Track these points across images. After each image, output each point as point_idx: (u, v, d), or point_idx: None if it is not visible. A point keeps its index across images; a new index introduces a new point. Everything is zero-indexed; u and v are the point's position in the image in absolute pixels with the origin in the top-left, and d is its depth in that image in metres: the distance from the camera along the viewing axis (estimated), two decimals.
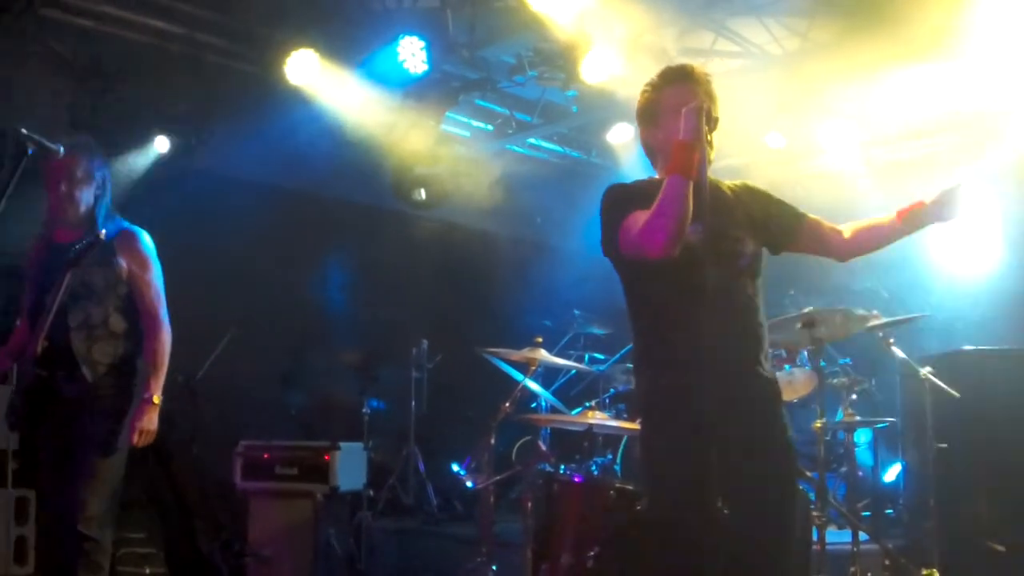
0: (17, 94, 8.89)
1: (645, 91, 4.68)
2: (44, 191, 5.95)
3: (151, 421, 5.89)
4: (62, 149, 5.24)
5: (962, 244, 10.66)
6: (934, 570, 7.26)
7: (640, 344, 4.65)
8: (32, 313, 5.83)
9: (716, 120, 4.21)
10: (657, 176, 4.69)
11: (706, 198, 4.15)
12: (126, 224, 6.15)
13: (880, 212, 4.71)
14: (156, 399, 5.90)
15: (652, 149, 4.71)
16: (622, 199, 4.49)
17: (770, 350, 4.66)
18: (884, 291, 9.69)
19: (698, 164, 4.14)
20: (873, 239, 4.68)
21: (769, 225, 4.65)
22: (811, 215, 4.76)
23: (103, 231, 5.82)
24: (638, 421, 4.74)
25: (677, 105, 4.42)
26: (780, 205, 4.75)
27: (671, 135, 4.41)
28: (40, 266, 5.92)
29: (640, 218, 4.26)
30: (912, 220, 4.57)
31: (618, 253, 4.44)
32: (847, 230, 4.70)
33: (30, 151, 5.29)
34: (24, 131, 5.29)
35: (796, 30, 9.26)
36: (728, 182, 4.70)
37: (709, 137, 4.19)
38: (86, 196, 5.98)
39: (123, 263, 5.99)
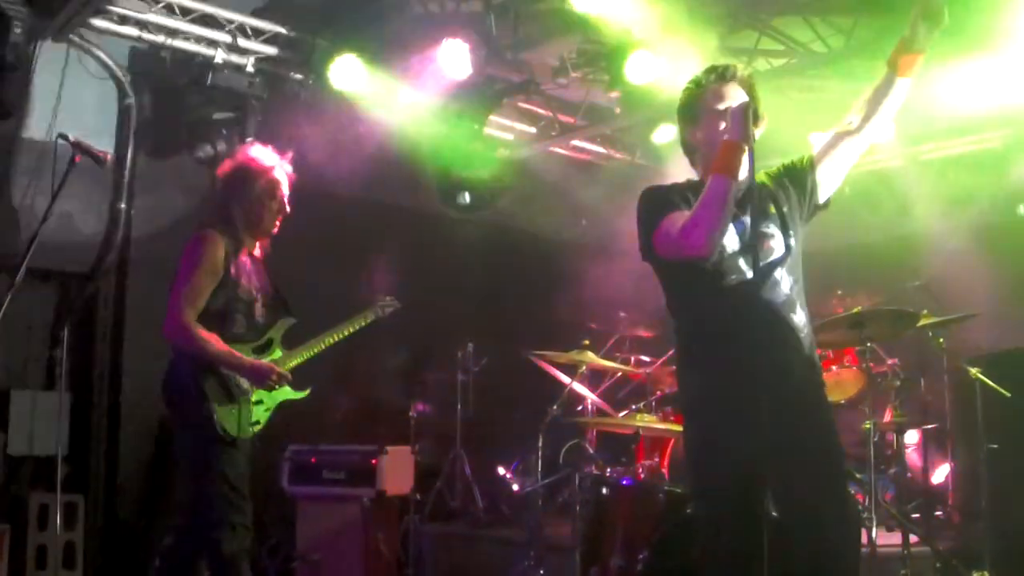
0: (65, 102, 8.95)
1: (688, 89, 4.67)
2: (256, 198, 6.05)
3: None
4: (108, 158, 5.29)
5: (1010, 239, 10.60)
6: (985, 572, 7.21)
7: (682, 345, 4.66)
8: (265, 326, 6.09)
9: (762, 119, 4.18)
10: (696, 174, 4.69)
11: (755, 196, 4.14)
12: None
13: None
14: None
15: (692, 147, 4.69)
16: (658, 201, 4.49)
17: (817, 350, 4.64)
18: (932, 290, 9.59)
19: (742, 163, 4.13)
20: (879, 100, 4.46)
21: (792, 206, 4.57)
22: (814, 151, 4.61)
23: None
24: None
25: (719, 104, 4.42)
26: (792, 173, 4.63)
27: (712, 134, 4.41)
28: (246, 277, 6.04)
29: (678, 219, 4.25)
30: (900, 57, 4.37)
31: (655, 255, 4.44)
32: (853, 113, 4.52)
33: (78, 159, 5.35)
34: (72, 138, 5.34)
35: (841, 28, 9.18)
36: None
37: (755, 136, 4.17)
38: None
39: None
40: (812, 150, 4.61)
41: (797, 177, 4.60)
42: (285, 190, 6.10)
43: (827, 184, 4.61)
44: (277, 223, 6.14)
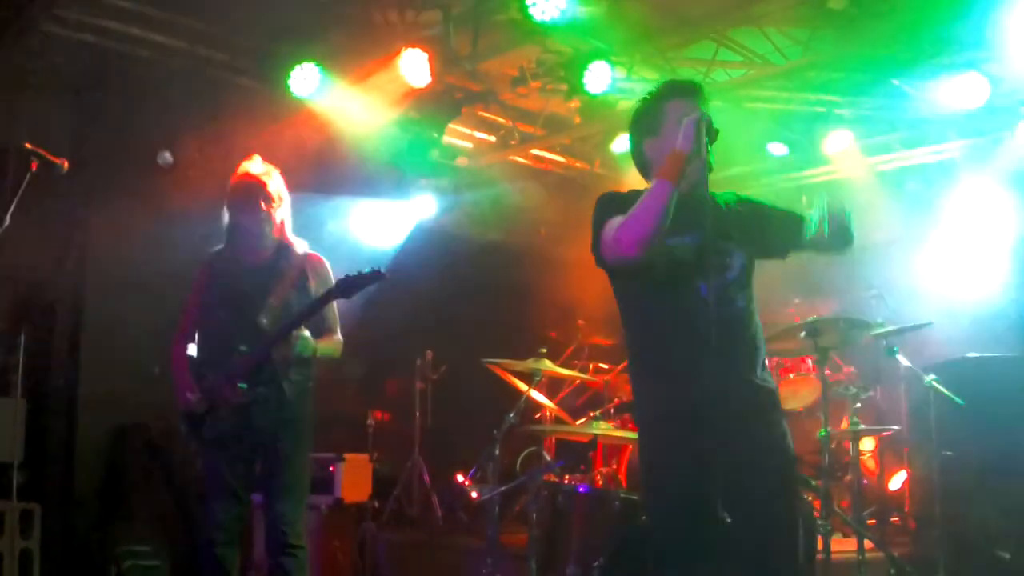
0: (20, 109, 8.88)
1: (645, 101, 4.64)
2: (239, 211, 6.00)
3: None
4: (65, 165, 5.27)
5: (965, 251, 10.68)
6: None
7: (635, 356, 4.66)
8: (229, 331, 5.86)
9: (716, 132, 4.19)
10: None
11: (708, 210, 4.16)
12: (309, 248, 6.23)
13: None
14: None
15: (648, 160, 4.63)
16: (607, 205, 4.49)
17: (773, 359, 4.67)
18: (888, 298, 9.66)
19: (689, 174, 4.16)
20: (829, 245, 4.48)
21: (766, 235, 4.60)
22: (805, 219, 4.58)
23: (302, 254, 6.09)
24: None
25: (680, 118, 4.41)
26: (779, 213, 4.66)
27: (670, 148, 4.41)
28: (222, 286, 5.97)
29: (618, 221, 4.27)
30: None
31: (600, 258, 4.45)
32: (824, 224, 4.44)
33: (35, 166, 5.32)
34: (28, 146, 5.32)
35: (798, 39, 9.25)
36: (719, 193, 4.64)
37: (709, 149, 4.18)
38: (279, 216, 6.07)
39: (313, 288, 6.07)
40: (804, 213, 4.53)
41: (779, 218, 4.63)
42: (251, 196, 5.95)
43: (791, 247, 4.67)
44: (253, 229, 5.99)
